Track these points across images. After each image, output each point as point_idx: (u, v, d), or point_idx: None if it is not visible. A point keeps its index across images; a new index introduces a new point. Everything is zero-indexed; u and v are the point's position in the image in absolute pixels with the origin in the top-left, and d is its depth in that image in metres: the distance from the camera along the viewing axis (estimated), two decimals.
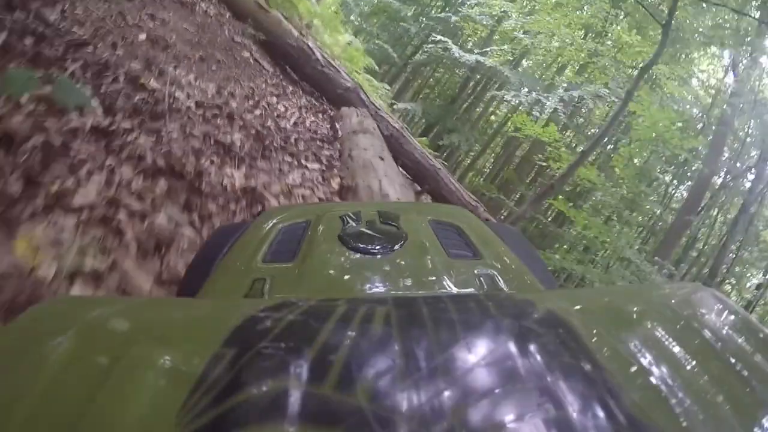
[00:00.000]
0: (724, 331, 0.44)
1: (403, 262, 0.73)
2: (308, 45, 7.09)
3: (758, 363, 0.40)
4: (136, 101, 2.62)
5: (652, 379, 0.37)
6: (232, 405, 0.32)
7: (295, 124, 5.18)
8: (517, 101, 13.72)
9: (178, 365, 0.37)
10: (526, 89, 13.11)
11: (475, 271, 0.73)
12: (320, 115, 6.34)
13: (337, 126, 5.92)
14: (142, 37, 3.95)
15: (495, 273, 0.73)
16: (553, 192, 7.91)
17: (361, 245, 0.75)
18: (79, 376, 0.36)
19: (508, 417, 0.31)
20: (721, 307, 0.49)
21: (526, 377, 0.34)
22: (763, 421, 0.35)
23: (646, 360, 0.39)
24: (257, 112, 4.50)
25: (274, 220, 0.94)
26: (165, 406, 0.33)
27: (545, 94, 12.96)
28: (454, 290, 0.68)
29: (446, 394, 0.32)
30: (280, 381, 0.34)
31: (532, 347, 0.38)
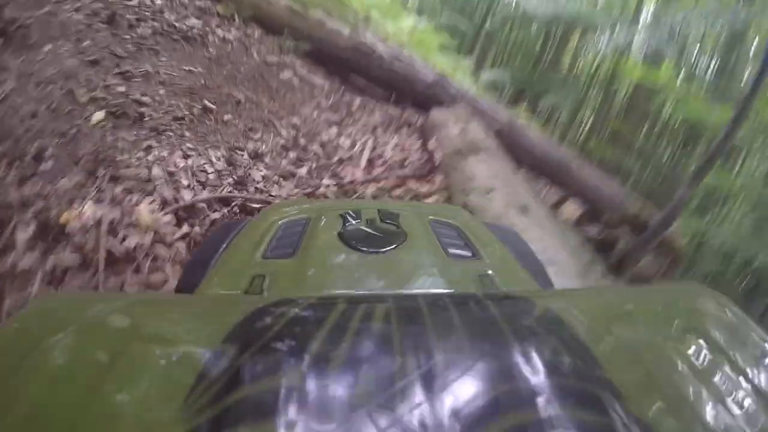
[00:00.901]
0: (722, 331, 0.43)
1: (402, 261, 0.72)
2: (366, 42, 5.36)
3: (756, 362, 0.39)
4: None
5: (651, 378, 0.36)
6: (233, 402, 0.31)
7: (370, 164, 3.46)
8: (608, 45, 10.98)
9: (178, 362, 0.36)
10: (612, 30, 10.51)
11: (474, 271, 0.71)
12: (404, 132, 4.55)
13: (432, 143, 4.08)
14: (98, 116, 2.55)
15: (493, 272, 0.71)
16: (716, 159, 4.86)
17: (361, 243, 0.73)
18: (80, 372, 0.35)
19: (508, 415, 0.30)
20: (719, 306, 0.48)
21: (525, 376, 0.33)
22: (761, 418, 0.34)
23: (644, 359, 0.38)
24: (303, 170, 2.87)
25: (275, 217, 0.92)
26: (166, 403, 0.32)
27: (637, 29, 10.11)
28: (453, 289, 0.66)
29: (446, 392, 0.31)
30: (280, 378, 0.33)
31: (531, 346, 0.37)
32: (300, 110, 3.98)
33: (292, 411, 0.30)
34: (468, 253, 0.79)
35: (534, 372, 0.34)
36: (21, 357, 0.36)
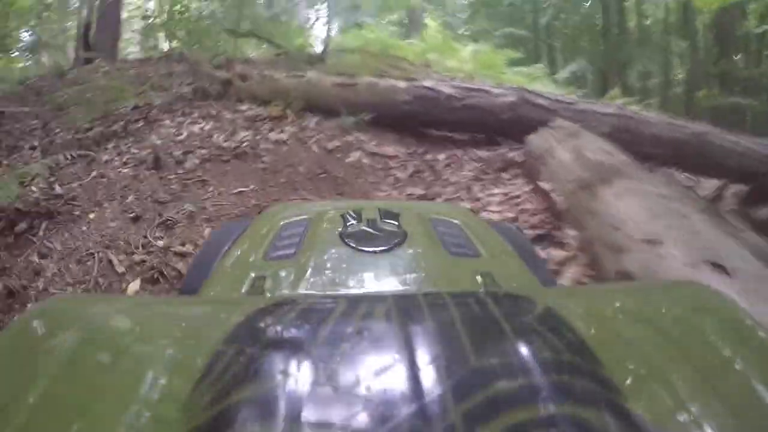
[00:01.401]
0: (723, 329, 0.43)
1: (403, 260, 0.71)
2: (428, 87, 4.68)
3: (757, 361, 0.39)
4: None
5: (652, 377, 0.36)
6: (234, 402, 0.31)
7: None
8: None
9: (180, 363, 0.36)
10: None
11: (476, 269, 0.71)
12: (505, 178, 3.65)
13: (544, 181, 3.13)
14: (133, 287, 2.03)
15: (495, 271, 0.71)
16: None
17: (362, 243, 0.73)
18: (81, 374, 0.36)
19: (508, 414, 0.30)
20: (720, 304, 0.48)
21: (526, 374, 0.33)
22: (762, 419, 0.34)
23: (645, 359, 0.38)
24: None
25: (275, 218, 0.91)
26: (167, 403, 0.32)
27: None
28: (454, 288, 0.66)
29: (447, 391, 0.31)
30: (280, 378, 0.33)
31: (532, 345, 0.37)
32: (376, 193, 3.27)
33: (292, 411, 0.30)
34: (469, 252, 0.76)
35: (534, 370, 0.33)
36: (24, 358, 0.36)
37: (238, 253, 0.81)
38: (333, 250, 0.72)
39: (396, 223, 0.80)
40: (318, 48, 11.41)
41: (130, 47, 11.78)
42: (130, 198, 2.98)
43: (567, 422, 0.29)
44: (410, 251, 0.72)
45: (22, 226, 2.92)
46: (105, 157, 3.75)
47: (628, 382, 0.35)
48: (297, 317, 0.41)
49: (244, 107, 5.00)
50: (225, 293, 0.69)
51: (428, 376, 0.32)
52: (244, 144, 3.85)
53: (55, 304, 0.48)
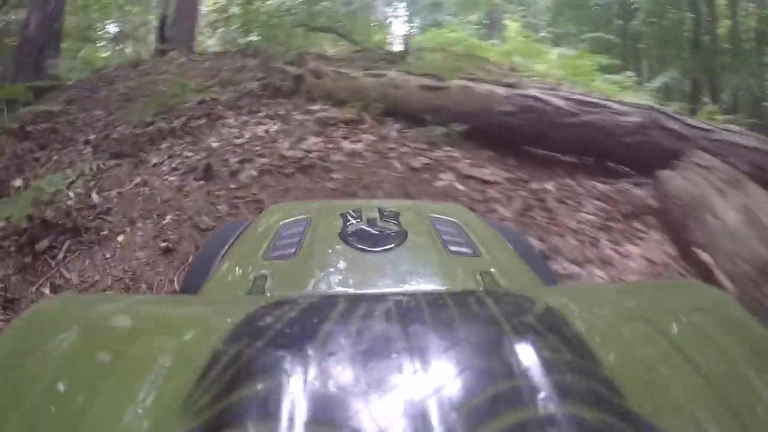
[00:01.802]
0: (722, 328, 0.43)
1: (403, 260, 0.71)
2: (535, 96, 3.79)
3: (756, 360, 0.39)
4: None
5: (652, 376, 0.36)
6: (234, 401, 0.31)
7: None
8: None
9: (180, 362, 0.36)
10: None
11: (475, 269, 0.70)
12: (636, 228, 2.72)
13: (706, 257, 2.19)
14: None
15: (495, 270, 0.70)
16: None
17: (362, 242, 0.73)
18: (83, 373, 0.36)
19: (509, 413, 0.30)
20: (719, 303, 0.48)
21: (526, 373, 0.33)
22: (762, 417, 0.34)
23: (645, 356, 0.38)
24: None
25: (276, 218, 0.91)
26: (168, 403, 0.32)
27: None
28: (454, 287, 0.66)
29: (447, 390, 0.31)
30: (281, 378, 0.32)
31: (532, 344, 0.36)
32: None
33: (292, 411, 0.29)
34: (469, 251, 0.76)
35: (534, 369, 0.33)
36: (24, 357, 0.36)
37: (239, 252, 0.80)
38: (333, 250, 0.71)
39: (396, 222, 0.79)
40: (396, 46, 10.84)
41: (210, 40, 11.66)
42: (168, 218, 2.40)
43: (567, 422, 0.29)
44: (410, 251, 0.71)
45: (44, 243, 2.38)
46: (154, 160, 3.19)
47: (628, 381, 0.34)
48: (297, 317, 0.40)
49: (315, 107, 4.34)
50: (225, 292, 0.68)
51: (428, 376, 0.31)
52: (312, 154, 3.16)
53: (55, 303, 0.48)
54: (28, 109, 5.83)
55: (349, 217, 0.81)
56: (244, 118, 4.10)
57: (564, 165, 3.74)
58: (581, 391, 0.32)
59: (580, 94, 4.06)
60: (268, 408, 0.30)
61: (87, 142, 3.86)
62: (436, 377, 0.32)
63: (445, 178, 3.07)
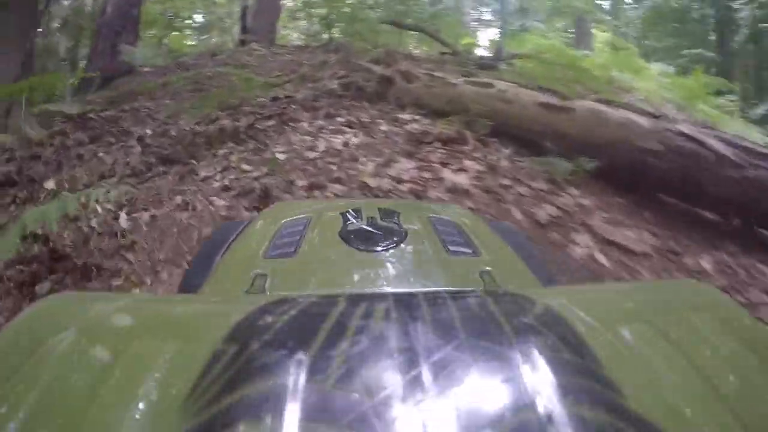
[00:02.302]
0: (722, 329, 0.42)
1: (403, 259, 0.69)
2: (688, 135, 2.75)
3: (756, 361, 0.38)
4: None
5: (652, 376, 0.36)
6: (234, 401, 0.30)
7: None
8: None
9: (180, 362, 0.35)
10: None
11: (475, 269, 0.69)
12: None
13: None
14: None
15: (494, 270, 0.69)
16: None
17: (362, 242, 0.71)
18: (82, 372, 0.34)
19: (508, 413, 0.29)
20: (719, 303, 0.47)
21: (526, 373, 0.32)
22: (763, 417, 0.34)
23: (644, 357, 0.37)
24: None
25: (276, 217, 0.90)
26: (168, 402, 0.31)
27: None
28: (454, 287, 0.65)
29: (446, 390, 0.30)
30: (281, 377, 0.31)
31: (531, 344, 0.36)
32: None
33: (292, 410, 0.28)
34: (468, 251, 0.74)
35: (534, 370, 0.32)
36: (24, 356, 0.35)
37: (239, 251, 0.79)
38: (333, 249, 0.71)
39: (396, 222, 0.79)
40: (482, 51, 9.87)
41: (293, 34, 11.24)
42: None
43: (567, 422, 0.28)
44: (410, 250, 0.70)
45: (45, 286, 1.74)
46: (205, 172, 2.50)
47: (628, 381, 0.33)
48: (297, 316, 0.39)
49: (405, 116, 3.52)
50: (225, 292, 0.68)
51: (428, 376, 0.31)
52: (404, 185, 2.34)
53: (55, 302, 0.46)
54: (98, 94, 5.50)
55: (349, 216, 0.79)
56: (321, 122, 3.36)
57: (709, 227, 2.67)
58: (581, 391, 0.31)
59: (746, 141, 2.94)
60: (269, 408, 0.28)
61: (140, 139, 3.26)
62: (436, 377, 0.31)
63: (581, 242, 2.14)
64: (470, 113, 3.39)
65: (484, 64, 6.47)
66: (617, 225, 2.40)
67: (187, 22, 10.57)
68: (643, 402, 0.32)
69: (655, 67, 8.58)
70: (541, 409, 0.29)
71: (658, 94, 6.71)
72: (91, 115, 4.04)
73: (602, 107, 3.15)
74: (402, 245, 0.70)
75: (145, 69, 6.19)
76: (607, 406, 0.31)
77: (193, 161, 2.66)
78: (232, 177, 2.38)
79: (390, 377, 0.31)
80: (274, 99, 3.94)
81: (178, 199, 2.19)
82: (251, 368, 0.32)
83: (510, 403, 0.30)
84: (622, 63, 8.11)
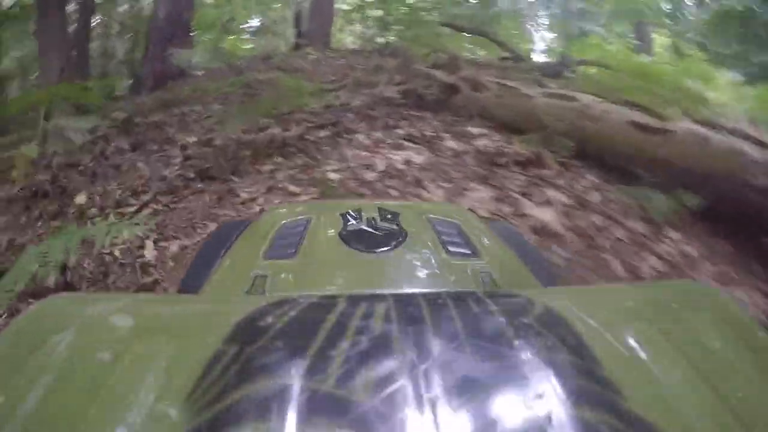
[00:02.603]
0: (722, 329, 0.41)
1: (402, 260, 0.69)
2: None
3: (755, 361, 0.38)
4: None
5: (650, 376, 0.35)
6: (235, 400, 0.30)
7: None
8: None
9: (180, 361, 0.35)
10: None
11: (474, 269, 0.68)
12: None
13: None
14: None
15: (494, 270, 0.69)
16: None
17: (362, 243, 0.71)
18: (83, 371, 0.34)
19: (507, 412, 0.29)
20: (718, 304, 0.46)
21: (525, 373, 0.32)
22: (762, 416, 0.33)
23: (643, 356, 0.37)
24: None
25: (276, 218, 0.87)
26: (168, 402, 0.31)
27: None
28: (454, 287, 0.64)
29: (446, 389, 0.30)
30: (281, 377, 0.31)
31: (531, 344, 0.35)
32: None
33: (292, 410, 0.28)
34: (468, 251, 0.73)
35: (534, 370, 0.32)
36: (26, 356, 0.35)
37: (239, 252, 0.78)
38: (333, 250, 0.70)
39: (396, 223, 0.78)
40: (540, 56, 9.23)
41: (349, 37, 10.99)
42: None
43: (567, 421, 0.28)
44: (410, 251, 0.70)
45: None
46: (246, 193, 2.14)
47: (627, 381, 0.33)
48: (297, 317, 0.39)
49: (473, 130, 3.06)
50: (226, 292, 0.67)
51: (428, 376, 0.31)
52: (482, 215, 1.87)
53: (55, 302, 0.45)
54: (150, 98, 5.36)
55: (348, 217, 0.77)
56: (378, 134, 2.95)
57: None
58: (581, 392, 0.30)
59: None
60: (269, 406, 0.28)
61: (183, 147, 2.97)
62: (437, 378, 0.30)
63: None
64: (547, 129, 2.88)
65: (548, 71, 5.91)
66: (727, 282, 1.85)
67: (242, 26, 10.52)
68: (643, 402, 0.31)
69: (726, 76, 7.70)
70: (541, 410, 0.28)
71: (733, 107, 5.92)
72: (137, 120, 3.83)
73: (705, 131, 2.56)
74: (402, 246, 0.69)
75: (198, 72, 6.03)
76: (607, 406, 0.30)
77: (235, 178, 2.31)
78: (276, 201, 2.01)
79: (390, 377, 0.30)
80: (327, 107, 3.58)
81: (213, 226, 1.83)
82: (252, 368, 0.32)
83: (510, 403, 0.29)
84: (690, 71, 7.31)
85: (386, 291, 0.58)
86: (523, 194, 2.19)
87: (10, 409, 0.31)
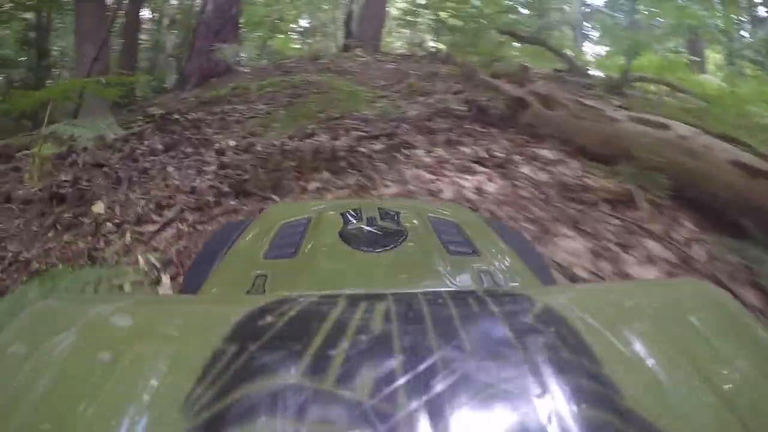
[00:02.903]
0: (724, 328, 0.40)
1: (403, 259, 0.67)
2: None
3: (757, 360, 0.37)
4: None
5: (651, 376, 0.34)
6: (234, 401, 0.29)
7: None
8: None
9: (179, 361, 0.34)
10: None
11: (474, 268, 0.68)
12: None
13: None
14: None
15: (494, 270, 0.68)
16: None
17: (362, 242, 0.69)
18: (82, 374, 0.33)
19: (507, 411, 0.28)
20: (720, 303, 0.44)
21: (525, 373, 0.31)
22: (764, 417, 0.32)
23: (644, 357, 0.35)
24: None
25: (276, 217, 0.87)
26: (167, 403, 0.30)
27: None
28: (454, 287, 0.63)
29: (445, 389, 0.29)
30: (280, 377, 0.30)
31: (531, 343, 0.34)
32: None
33: (291, 410, 0.27)
34: (468, 250, 0.72)
35: (534, 369, 0.31)
36: (23, 358, 0.34)
37: (239, 252, 0.78)
38: (333, 250, 0.69)
39: (396, 222, 0.78)
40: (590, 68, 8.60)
41: (398, 42, 10.64)
42: None
43: (566, 421, 0.27)
44: (410, 250, 0.69)
45: None
46: None
47: (628, 380, 0.32)
48: (297, 316, 0.38)
49: (548, 154, 2.59)
50: (226, 292, 0.66)
51: (428, 376, 0.30)
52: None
53: (54, 303, 0.44)
54: (192, 93, 5.10)
55: (348, 216, 0.77)
56: (441, 151, 2.53)
57: None
58: (581, 391, 0.30)
59: None
60: (269, 407, 0.27)
61: (220, 152, 2.62)
62: (435, 377, 0.30)
63: None
64: (635, 159, 2.39)
65: (608, 87, 5.38)
66: None
67: (292, 26, 10.33)
68: (643, 402, 0.30)
69: None
70: (541, 409, 0.28)
71: None
72: (176, 116, 3.53)
73: None
74: (402, 245, 0.69)
75: (245, 69, 5.77)
76: (607, 406, 0.30)
77: (275, 196, 1.93)
78: None
79: (390, 377, 0.30)
80: (381, 116, 3.17)
81: None
82: (251, 368, 0.31)
83: (510, 403, 0.29)
84: (754, 93, 6.54)
85: (386, 290, 0.53)
86: (621, 244, 1.72)
87: (9, 411, 0.30)
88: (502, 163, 2.36)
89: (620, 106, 3.21)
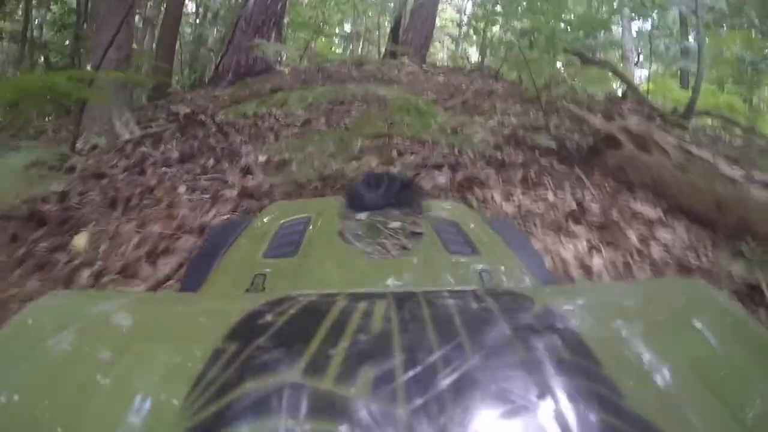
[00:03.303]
0: (721, 328, 0.40)
1: (402, 258, 0.68)
2: None
3: (755, 360, 0.36)
4: None
5: (650, 375, 0.34)
6: (234, 399, 0.28)
7: None
8: None
9: (180, 360, 0.34)
10: None
11: (474, 267, 0.67)
12: None
13: None
14: None
15: (493, 269, 0.67)
16: None
17: (362, 241, 0.70)
18: (82, 371, 0.33)
19: (507, 412, 0.28)
20: (718, 303, 0.45)
21: (524, 373, 0.31)
22: (762, 417, 0.32)
23: (643, 356, 0.36)
24: None
25: (276, 217, 0.86)
26: (167, 401, 0.30)
27: None
28: (452, 286, 0.62)
29: (445, 388, 0.29)
30: (280, 375, 0.30)
31: (531, 343, 0.34)
32: None
33: (291, 409, 0.27)
34: (468, 250, 0.72)
35: (532, 369, 0.31)
36: (23, 355, 0.34)
37: (239, 251, 0.77)
38: (332, 249, 0.69)
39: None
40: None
41: (440, 54, 10.10)
42: None
43: (566, 420, 0.27)
44: (410, 250, 0.69)
45: None
46: None
47: (626, 380, 0.32)
48: (297, 315, 0.38)
49: (648, 211, 1.98)
50: (225, 291, 0.65)
51: (428, 374, 0.30)
52: None
53: (54, 300, 0.43)
54: (226, 92, 4.64)
55: (348, 215, 0.77)
56: (521, 196, 1.95)
57: None
58: (580, 390, 0.29)
59: None
60: (268, 406, 0.27)
61: (246, 171, 2.10)
62: (435, 376, 0.29)
63: None
64: (758, 239, 1.77)
65: (671, 120, 4.67)
66: None
67: (335, 30, 9.91)
68: (642, 401, 0.30)
69: None
70: (540, 408, 0.27)
71: None
72: (202, 117, 3.05)
73: None
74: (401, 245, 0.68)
75: (285, 69, 5.29)
76: (607, 405, 0.29)
77: None
78: None
79: (390, 376, 0.29)
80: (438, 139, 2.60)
81: None
82: (251, 366, 0.31)
83: (509, 401, 0.28)
84: None
85: (385, 289, 0.57)
86: None
87: (9, 408, 0.29)
88: (606, 224, 1.77)
89: (734, 161, 2.56)
